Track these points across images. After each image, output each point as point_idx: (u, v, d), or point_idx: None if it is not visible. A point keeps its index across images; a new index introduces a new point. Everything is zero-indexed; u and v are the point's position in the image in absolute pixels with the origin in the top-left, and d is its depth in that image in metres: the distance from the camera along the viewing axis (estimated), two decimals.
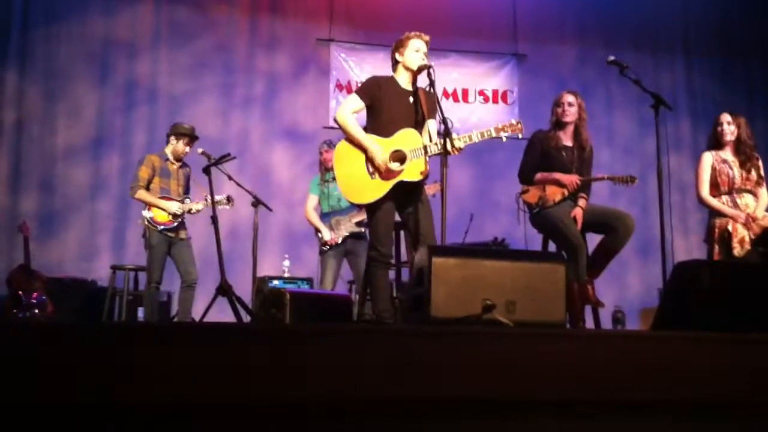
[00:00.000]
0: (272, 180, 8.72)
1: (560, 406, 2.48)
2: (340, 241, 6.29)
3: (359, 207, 5.16)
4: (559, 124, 5.09)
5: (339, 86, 9.16)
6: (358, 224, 6.27)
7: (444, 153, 4.31)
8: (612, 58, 5.03)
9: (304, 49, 9.18)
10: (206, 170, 6.08)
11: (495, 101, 9.58)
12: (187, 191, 6.37)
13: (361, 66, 9.21)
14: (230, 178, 6.27)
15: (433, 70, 4.43)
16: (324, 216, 6.43)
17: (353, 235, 6.30)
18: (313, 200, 6.55)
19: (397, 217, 4.65)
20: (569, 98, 5.07)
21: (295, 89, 9.08)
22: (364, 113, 4.61)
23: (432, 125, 4.57)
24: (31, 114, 8.28)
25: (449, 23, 9.16)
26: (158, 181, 6.18)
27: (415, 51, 4.53)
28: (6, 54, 8.29)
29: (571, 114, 5.04)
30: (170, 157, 6.28)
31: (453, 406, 2.39)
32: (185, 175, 6.36)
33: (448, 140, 4.29)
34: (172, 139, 6.27)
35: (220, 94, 8.84)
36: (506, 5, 9.66)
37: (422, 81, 4.57)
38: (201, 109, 8.55)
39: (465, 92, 9.52)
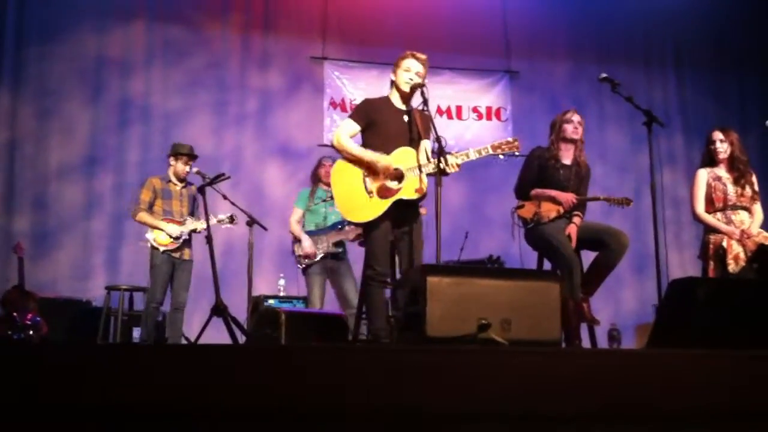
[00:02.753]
0: (266, 197, 8.71)
1: (557, 422, 2.47)
2: (318, 258, 6.25)
3: (355, 225, 5.15)
4: (565, 141, 5.08)
5: (333, 104, 9.17)
6: (336, 245, 6.25)
7: (439, 172, 4.31)
8: (603, 75, 5.04)
9: (298, 66, 9.19)
10: (201, 189, 6.07)
11: (489, 118, 9.60)
12: (192, 211, 6.38)
13: (355, 84, 9.22)
14: (225, 197, 6.26)
15: (427, 89, 4.47)
16: (307, 234, 6.37)
17: (332, 255, 6.27)
18: (297, 213, 6.50)
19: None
20: (578, 117, 5.09)
21: (289, 107, 9.09)
22: (359, 136, 4.63)
23: (427, 145, 4.58)
24: (25, 133, 8.25)
25: (442, 41, 9.17)
26: (160, 203, 6.24)
27: (405, 71, 4.55)
28: None
29: (580, 132, 5.06)
30: (172, 178, 6.32)
31: (449, 423, 2.39)
32: (189, 195, 6.38)
33: (443, 159, 4.30)
34: (171, 159, 6.32)
35: (213, 111, 8.83)
36: (499, 22, 9.69)
37: (416, 100, 4.59)
38: (194, 127, 8.54)
39: (459, 109, 9.53)
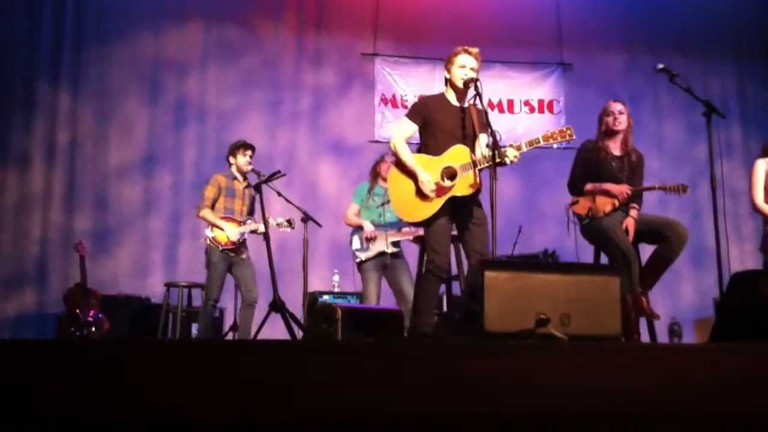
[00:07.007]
0: (319, 194, 8.78)
1: (619, 419, 2.46)
2: (374, 254, 6.20)
3: (413, 225, 5.14)
4: (608, 134, 5.01)
5: (384, 100, 9.20)
6: (394, 244, 6.24)
7: (493, 165, 4.31)
8: (661, 66, 4.95)
9: (349, 63, 9.26)
10: (257, 187, 6.14)
11: (541, 111, 9.53)
12: (252, 211, 6.46)
13: (405, 79, 9.25)
14: (279, 194, 6.32)
15: (480, 84, 4.43)
16: (362, 229, 6.35)
17: (389, 254, 6.21)
18: (353, 208, 6.45)
19: (454, 231, 4.65)
20: (619, 107, 4.99)
21: (341, 104, 9.15)
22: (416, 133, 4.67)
23: (484, 140, 4.57)
24: (84, 133, 8.46)
25: (494, 34, 9.13)
26: (223, 200, 6.30)
27: (460, 67, 4.52)
28: (59, 75, 8.49)
29: (623, 122, 4.96)
30: (237, 175, 6.39)
31: (508, 420, 2.39)
32: (250, 196, 6.44)
33: (497, 153, 4.29)
34: (231, 158, 6.38)
35: (267, 110, 8.94)
36: (551, 15, 9.61)
37: (471, 94, 4.57)
38: (249, 126, 8.64)
39: (510, 103, 9.50)
